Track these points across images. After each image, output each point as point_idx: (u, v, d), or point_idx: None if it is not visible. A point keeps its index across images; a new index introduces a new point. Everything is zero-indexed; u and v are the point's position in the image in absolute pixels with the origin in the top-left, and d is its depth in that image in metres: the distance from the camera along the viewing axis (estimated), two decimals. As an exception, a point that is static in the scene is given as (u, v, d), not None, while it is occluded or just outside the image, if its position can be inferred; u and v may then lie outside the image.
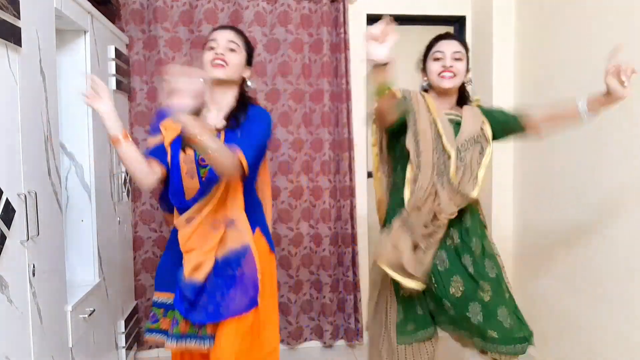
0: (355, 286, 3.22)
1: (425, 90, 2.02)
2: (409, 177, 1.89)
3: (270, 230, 1.98)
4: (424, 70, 2.01)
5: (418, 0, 3.30)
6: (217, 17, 3.07)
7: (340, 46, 3.12)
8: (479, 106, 2.06)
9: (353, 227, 3.20)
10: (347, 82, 3.13)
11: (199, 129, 1.51)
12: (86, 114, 2.27)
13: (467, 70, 1.98)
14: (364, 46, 1.70)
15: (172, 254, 1.87)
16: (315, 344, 3.30)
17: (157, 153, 1.79)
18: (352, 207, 3.19)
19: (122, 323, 2.66)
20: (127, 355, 2.71)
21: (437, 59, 1.93)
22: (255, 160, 1.74)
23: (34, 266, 1.62)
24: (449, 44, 1.94)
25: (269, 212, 2.00)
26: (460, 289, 1.89)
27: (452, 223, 1.91)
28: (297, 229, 3.20)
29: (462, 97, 2.04)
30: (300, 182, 3.19)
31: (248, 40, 1.88)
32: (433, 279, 1.91)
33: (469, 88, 2.05)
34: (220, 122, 1.79)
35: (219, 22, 3.07)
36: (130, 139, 1.67)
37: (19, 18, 1.52)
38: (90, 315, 2.11)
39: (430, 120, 1.91)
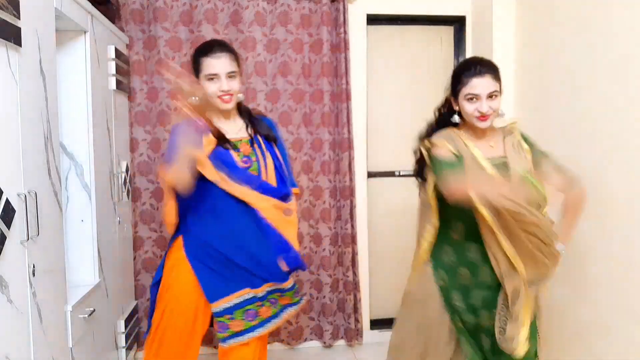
0: (355, 286, 3.22)
1: (456, 124, 1.92)
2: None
3: None
4: (455, 99, 1.88)
5: (418, 0, 3.29)
6: (217, 17, 3.07)
7: (340, 46, 3.12)
8: (521, 134, 1.94)
9: (353, 227, 3.20)
10: (347, 82, 3.13)
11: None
12: (86, 114, 2.27)
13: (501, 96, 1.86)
14: None
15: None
16: (315, 344, 3.30)
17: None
18: (352, 207, 3.19)
19: (122, 323, 2.66)
20: (127, 355, 2.71)
21: (471, 100, 1.81)
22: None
23: (34, 266, 1.62)
24: (483, 83, 1.79)
25: None
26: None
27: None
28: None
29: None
30: (300, 182, 3.19)
31: (237, 54, 1.95)
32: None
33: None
34: (244, 132, 1.97)
35: (219, 22, 3.06)
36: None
37: (19, 18, 1.53)
38: (90, 315, 2.11)
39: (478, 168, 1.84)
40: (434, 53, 3.47)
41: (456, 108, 1.89)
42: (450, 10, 3.35)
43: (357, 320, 3.24)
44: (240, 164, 1.89)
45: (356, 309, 3.24)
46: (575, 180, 1.90)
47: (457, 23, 3.42)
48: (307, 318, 3.26)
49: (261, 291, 1.92)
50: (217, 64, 1.84)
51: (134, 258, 3.08)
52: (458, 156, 1.83)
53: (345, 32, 3.11)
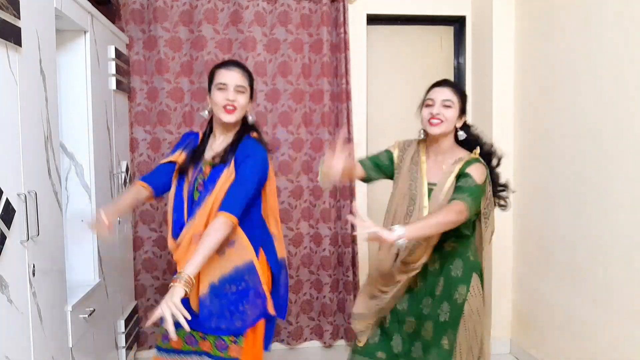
0: (355, 286, 3.22)
1: (426, 135, 2.03)
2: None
3: (283, 254, 2.01)
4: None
5: (418, 0, 3.30)
6: (217, 17, 3.07)
7: (340, 46, 3.12)
8: (467, 163, 1.93)
9: (353, 227, 3.19)
10: (347, 82, 3.13)
11: (188, 275, 1.62)
12: (86, 114, 2.27)
13: (462, 115, 1.97)
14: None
15: None
16: (315, 344, 3.30)
17: (152, 177, 1.99)
18: (352, 207, 3.19)
19: (122, 323, 2.66)
20: (127, 355, 2.71)
21: (427, 106, 1.97)
22: (244, 206, 1.78)
23: (34, 266, 1.62)
24: (441, 92, 1.96)
25: (275, 231, 2.00)
26: (413, 327, 2.02)
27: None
28: (297, 229, 3.20)
29: (466, 142, 2.02)
30: (300, 182, 3.19)
31: (251, 75, 1.95)
32: (389, 317, 2.06)
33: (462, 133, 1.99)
34: (217, 155, 1.89)
35: (219, 22, 3.07)
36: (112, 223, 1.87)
37: (19, 18, 1.52)
38: (90, 315, 2.11)
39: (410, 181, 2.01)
40: (434, 53, 3.47)
41: (421, 125, 2.03)
42: (450, 10, 3.36)
43: (357, 320, 3.24)
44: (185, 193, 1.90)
45: (356, 309, 3.24)
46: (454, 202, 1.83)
47: (457, 23, 3.42)
48: (307, 318, 3.26)
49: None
50: (228, 75, 1.87)
51: (134, 258, 3.08)
52: (393, 162, 2.07)
53: (345, 32, 3.11)
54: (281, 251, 1.99)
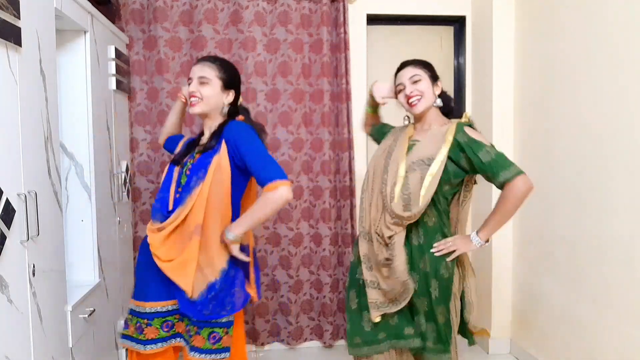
0: (355, 286, 3.22)
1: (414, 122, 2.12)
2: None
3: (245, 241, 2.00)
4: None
5: (418, 0, 3.30)
6: (217, 17, 3.07)
7: (340, 46, 3.12)
8: (460, 125, 1.95)
9: (353, 227, 3.20)
10: (347, 82, 3.13)
11: (242, 228, 1.77)
12: (86, 114, 2.27)
13: (436, 84, 2.02)
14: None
15: (146, 263, 1.93)
16: (315, 344, 3.30)
17: (171, 140, 2.23)
18: (352, 207, 3.19)
19: (122, 323, 2.66)
20: (127, 355, 2.70)
21: (400, 92, 2.03)
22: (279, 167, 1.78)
23: (34, 266, 1.62)
24: (405, 72, 2.02)
25: None
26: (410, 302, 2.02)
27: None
28: (297, 229, 3.20)
29: (448, 112, 2.08)
30: (300, 182, 3.19)
31: (226, 66, 1.92)
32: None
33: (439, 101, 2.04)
34: (204, 144, 1.92)
35: (219, 22, 3.07)
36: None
37: (19, 18, 1.52)
38: (90, 315, 2.11)
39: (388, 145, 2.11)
40: (434, 53, 3.47)
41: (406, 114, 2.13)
42: (450, 10, 3.36)
43: (357, 320, 3.24)
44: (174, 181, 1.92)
45: (356, 309, 3.24)
46: (508, 182, 1.85)
47: (457, 23, 3.42)
48: (307, 318, 3.26)
49: (164, 305, 1.89)
50: (195, 69, 1.90)
51: (134, 258, 3.08)
52: (385, 134, 2.20)
53: (345, 32, 3.11)
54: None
